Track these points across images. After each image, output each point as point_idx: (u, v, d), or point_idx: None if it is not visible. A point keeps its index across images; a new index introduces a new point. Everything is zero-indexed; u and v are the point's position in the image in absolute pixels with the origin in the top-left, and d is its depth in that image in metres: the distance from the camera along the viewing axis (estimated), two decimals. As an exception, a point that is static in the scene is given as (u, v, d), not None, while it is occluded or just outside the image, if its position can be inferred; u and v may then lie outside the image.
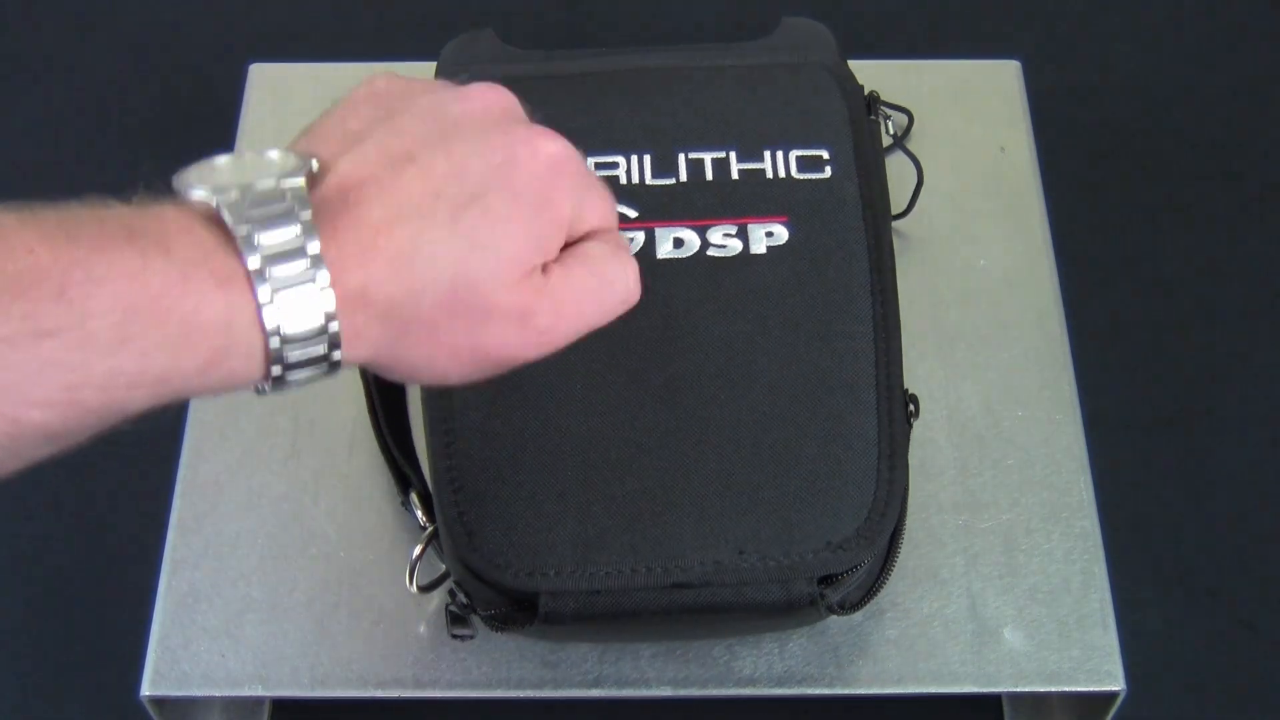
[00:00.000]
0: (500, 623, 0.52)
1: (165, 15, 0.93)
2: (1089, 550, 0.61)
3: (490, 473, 0.52)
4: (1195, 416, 0.76)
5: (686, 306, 0.56)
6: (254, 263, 0.35)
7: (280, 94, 0.75)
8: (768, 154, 0.59)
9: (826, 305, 0.56)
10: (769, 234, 0.57)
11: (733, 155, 0.59)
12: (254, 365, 0.36)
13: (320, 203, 0.37)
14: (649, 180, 0.59)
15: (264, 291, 0.35)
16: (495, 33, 0.66)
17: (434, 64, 0.65)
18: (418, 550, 0.55)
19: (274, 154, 0.39)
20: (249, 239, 0.35)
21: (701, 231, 0.57)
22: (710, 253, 0.57)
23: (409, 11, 0.92)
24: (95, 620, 0.70)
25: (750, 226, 0.57)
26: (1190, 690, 0.68)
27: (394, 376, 0.42)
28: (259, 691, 0.58)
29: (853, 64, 0.64)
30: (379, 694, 0.58)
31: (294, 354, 0.36)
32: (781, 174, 0.59)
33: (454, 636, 0.56)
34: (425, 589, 0.56)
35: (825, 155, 0.59)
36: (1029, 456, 0.63)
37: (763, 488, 0.52)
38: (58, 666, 0.68)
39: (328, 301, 0.36)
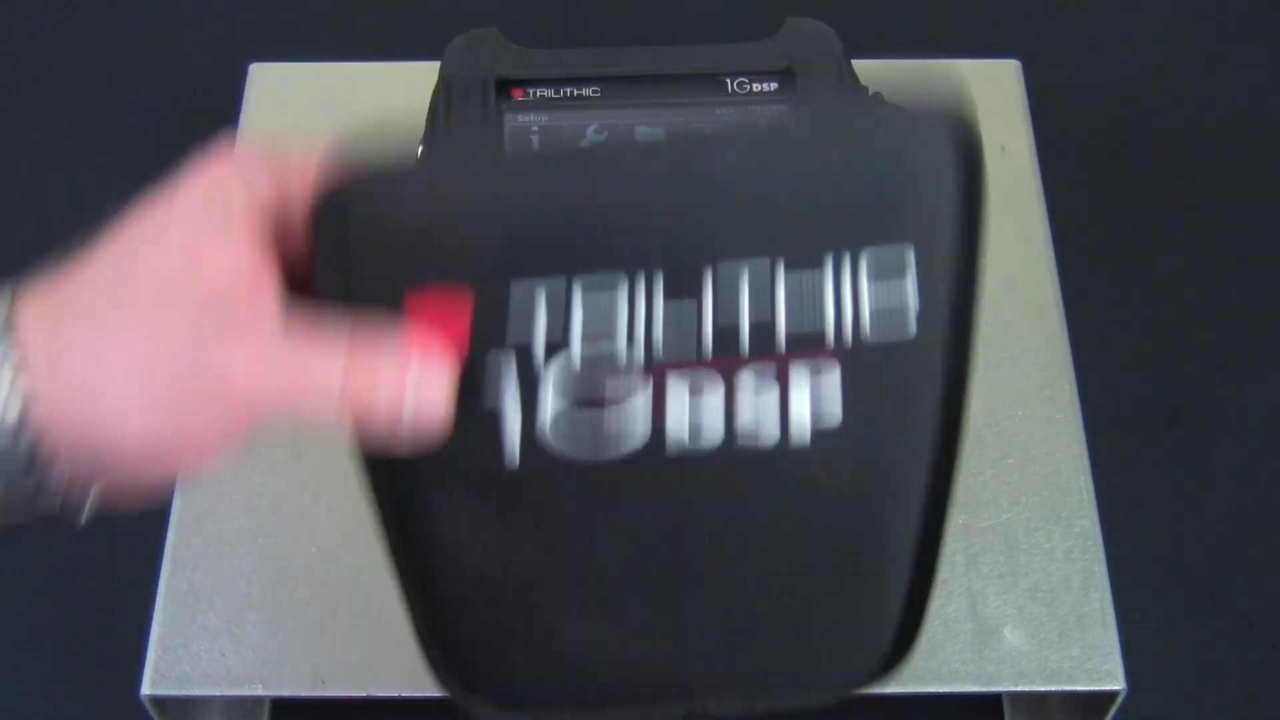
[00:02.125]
0: None
1: (165, 15, 0.93)
2: (1089, 550, 0.61)
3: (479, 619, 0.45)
4: (1195, 416, 0.76)
5: (699, 513, 0.43)
6: None
7: (280, 94, 0.75)
8: (829, 261, 0.41)
9: (874, 494, 0.45)
10: (815, 407, 0.41)
11: (780, 267, 0.40)
12: None
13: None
14: (659, 309, 0.39)
15: None
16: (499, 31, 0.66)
17: (436, 63, 0.65)
18: (418, 550, 0.55)
19: None
20: None
21: (730, 408, 0.41)
22: (741, 444, 0.41)
23: (410, 11, 0.92)
24: (95, 620, 0.70)
25: (793, 395, 0.41)
26: (1190, 690, 0.68)
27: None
28: (259, 691, 0.58)
29: (853, 63, 0.64)
30: (379, 694, 0.58)
31: None
32: (846, 291, 0.41)
33: (454, 636, 0.55)
34: (425, 589, 0.56)
35: (909, 257, 0.44)
36: (1029, 456, 0.63)
37: (779, 653, 0.47)
38: (58, 666, 0.68)
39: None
